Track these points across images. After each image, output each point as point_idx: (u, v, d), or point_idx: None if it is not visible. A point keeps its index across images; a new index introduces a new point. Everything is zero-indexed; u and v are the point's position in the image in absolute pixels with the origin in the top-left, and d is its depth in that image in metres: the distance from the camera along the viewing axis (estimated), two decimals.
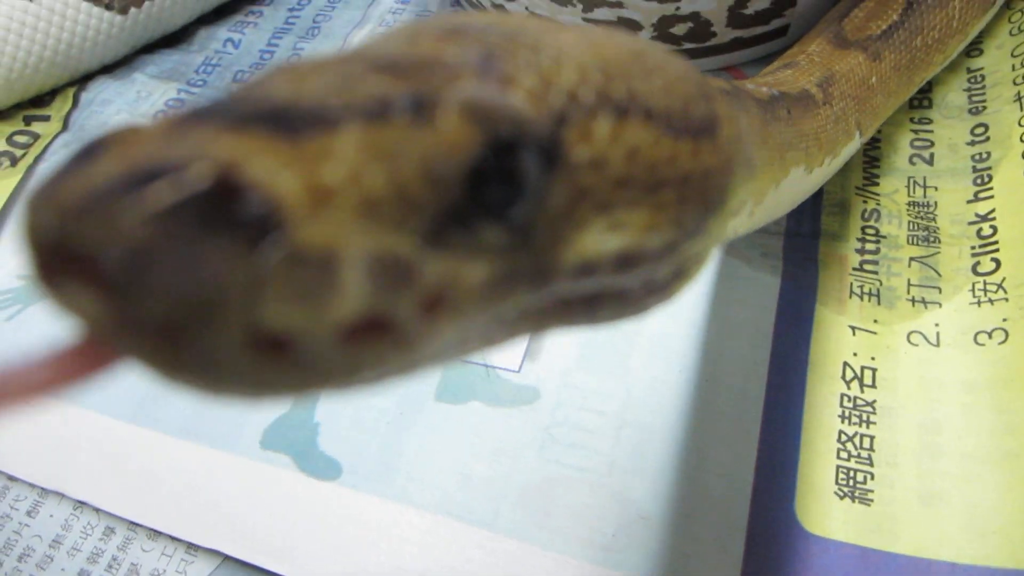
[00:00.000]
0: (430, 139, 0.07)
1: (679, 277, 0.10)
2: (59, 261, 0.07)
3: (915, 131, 0.22)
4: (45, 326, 0.20)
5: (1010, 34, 0.22)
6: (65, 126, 0.26)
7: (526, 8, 0.23)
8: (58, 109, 0.27)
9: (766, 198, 0.13)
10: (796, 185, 0.15)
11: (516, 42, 0.09)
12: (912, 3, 0.19)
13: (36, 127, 0.26)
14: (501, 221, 0.08)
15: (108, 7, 0.26)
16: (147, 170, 0.06)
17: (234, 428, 0.18)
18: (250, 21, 0.28)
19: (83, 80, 0.27)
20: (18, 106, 0.27)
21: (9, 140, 0.26)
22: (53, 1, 0.25)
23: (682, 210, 0.09)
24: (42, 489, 0.18)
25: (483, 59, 0.08)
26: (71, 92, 0.27)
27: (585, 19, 0.22)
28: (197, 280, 0.06)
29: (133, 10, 0.27)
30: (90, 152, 0.07)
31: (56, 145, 0.25)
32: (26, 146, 0.26)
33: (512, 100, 0.08)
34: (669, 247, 0.09)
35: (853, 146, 0.18)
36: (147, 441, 0.18)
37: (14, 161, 0.25)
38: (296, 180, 0.07)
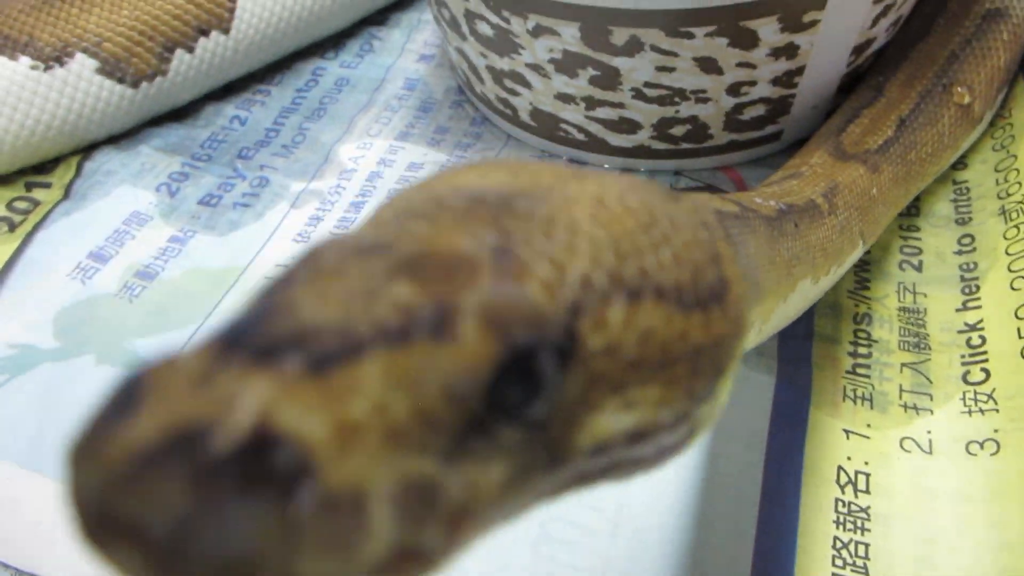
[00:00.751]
0: (452, 357, 0.08)
1: (691, 436, 0.10)
2: (105, 527, 0.07)
3: (904, 238, 0.22)
4: (32, 398, 0.20)
5: (993, 149, 0.23)
6: (67, 194, 0.26)
7: (531, 105, 0.23)
8: (60, 177, 0.27)
9: (773, 315, 0.13)
10: (803, 296, 0.15)
11: (531, 220, 0.09)
12: (904, 121, 0.20)
13: (37, 193, 0.26)
14: (518, 420, 0.08)
15: (120, 80, 0.27)
16: (185, 432, 0.07)
17: None
18: (257, 99, 0.29)
19: (88, 149, 0.27)
20: (20, 171, 0.27)
21: (9, 206, 0.26)
22: (67, 72, 0.26)
23: (694, 381, 0.10)
24: None
25: (498, 250, 0.08)
26: (75, 161, 0.27)
27: (588, 116, 0.23)
28: (237, 542, 0.07)
29: (144, 84, 0.27)
30: (128, 400, 0.07)
31: (56, 214, 0.25)
32: (25, 212, 0.26)
33: (528, 296, 0.08)
34: (681, 417, 0.10)
35: (856, 254, 0.18)
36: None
37: (12, 227, 0.25)
38: (325, 421, 0.07)
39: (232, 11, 0.28)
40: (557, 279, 0.08)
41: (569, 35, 0.20)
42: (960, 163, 0.23)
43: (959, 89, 0.21)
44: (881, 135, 0.19)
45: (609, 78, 0.21)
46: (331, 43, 0.31)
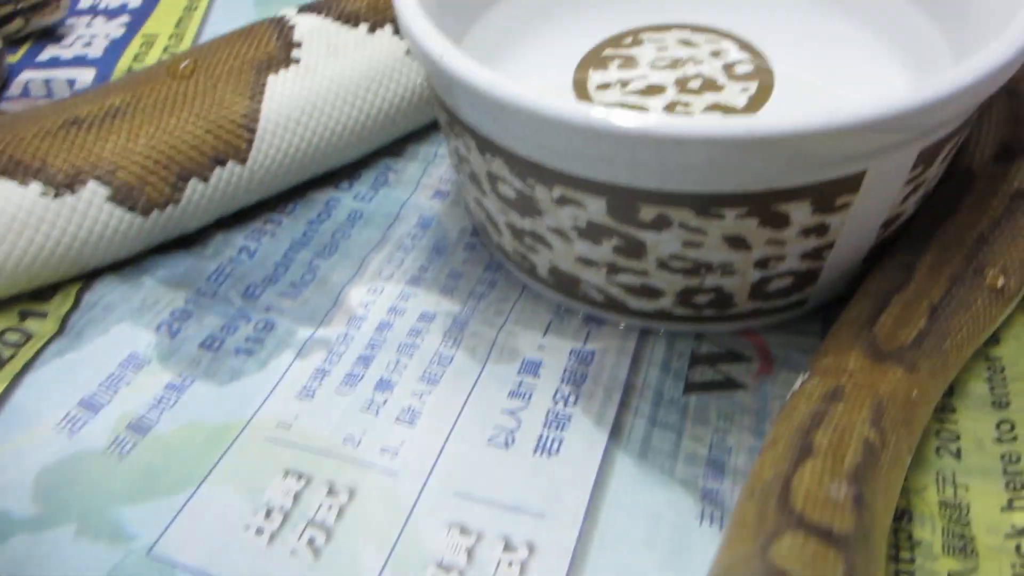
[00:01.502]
0: None
1: None
2: None
3: (940, 420, 0.21)
4: None
5: None
6: (61, 329, 0.25)
7: (550, 263, 0.23)
8: (57, 307, 0.26)
9: None
10: None
11: None
12: (936, 309, 0.19)
13: (31, 324, 0.25)
14: None
15: (131, 209, 0.26)
16: None
17: None
18: (267, 230, 0.28)
19: (89, 277, 0.27)
20: (16, 298, 0.26)
21: (0, 338, 0.25)
22: (77, 200, 0.25)
23: None
24: None
25: None
26: (74, 290, 0.26)
27: (609, 280, 0.22)
28: None
29: (155, 212, 0.26)
30: None
31: (49, 352, 0.24)
32: (17, 346, 0.25)
33: None
34: None
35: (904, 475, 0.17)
36: None
37: (1, 364, 0.24)
38: None
39: (251, 142, 0.27)
40: None
41: (595, 208, 0.20)
42: (992, 338, 0.23)
43: (992, 272, 0.20)
44: (914, 326, 0.19)
45: (634, 249, 0.21)
46: (346, 173, 0.30)
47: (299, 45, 0.28)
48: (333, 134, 0.29)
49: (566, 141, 0.18)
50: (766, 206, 0.19)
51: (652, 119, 0.17)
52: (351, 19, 0.29)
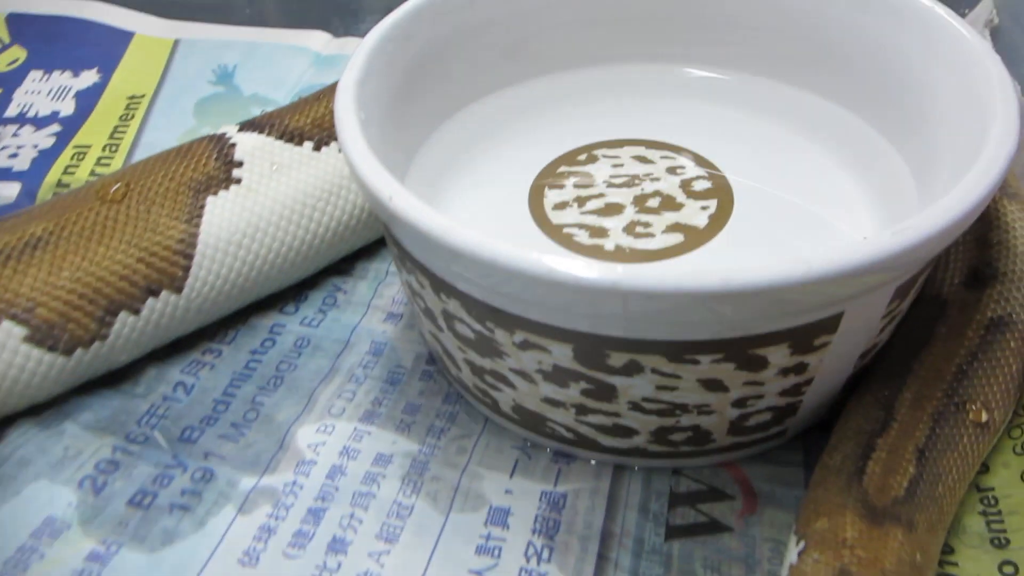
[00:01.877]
0: None
1: None
2: None
3: (940, 563, 0.20)
4: None
5: (1014, 452, 0.22)
6: None
7: (514, 402, 0.21)
8: None
9: None
10: None
11: None
12: (924, 452, 0.18)
13: None
14: None
15: (52, 348, 0.24)
16: None
17: None
18: (206, 362, 0.26)
19: (2, 424, 0.24)
20: None
21: None
22: None
23: None
24: None
25: None
26: None
27: (578, 420, 0.21)
28: None
29: (79, 351, 0.24)
30: None
31: None
32: None
33: None
34: None
35: None
36: None
37: None
38: None
39: (187, 269, 0.26)
40: None
41: (560, 353, 0.18)
42: (981, 466, 0.22)
43: (974, 408, 0.19)
44: (904, 474, 0.18)
45: (604, 392, 0.19)
46: (292, 295, 0.28)
47: (240, 164, 0.27)
48: (277, 256, 0.27)
49: (526, 290, 0.17)
50: (743, 351, 0.18)
51: (619, 271, 0.16)
52: (295, 137, 0.28)
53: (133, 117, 0.36)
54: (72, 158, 0.35)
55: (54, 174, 0.34)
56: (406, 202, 0.18)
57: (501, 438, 0.23)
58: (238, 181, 0.27)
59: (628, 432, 0.20)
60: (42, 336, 0.24)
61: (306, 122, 0.28)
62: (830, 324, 0.18)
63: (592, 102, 0.29)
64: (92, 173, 0.34)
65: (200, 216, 0.26)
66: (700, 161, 0.26)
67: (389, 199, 0.18)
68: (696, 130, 0.27)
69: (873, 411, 0.19)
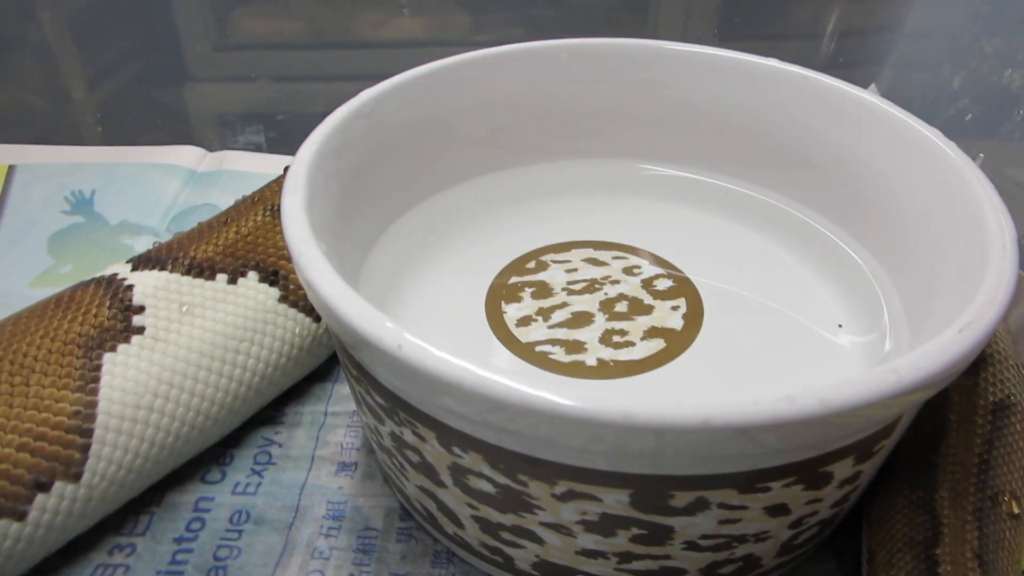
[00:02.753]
0: None
1: None
2: None
3: None
4: None
5: None
6: None
7: (537, 558, 0.18)
8: None
9: None
10: None
11: None
12: (981, 556, 0.17)
13: None
14: None
15: None
16: None
17: None
18: (118, 563, 0.21)
19: None
20: None
21: None
22: None
23: None
24: None
25: None
26: None
27: (619, 569, 0.18)
28: None
29: None
30: None
31: None
32: None
33: None
34: None
35: None
36: None
37: None
38: None
39: (86, 448, 0.20)
40: None
41: (613, 500, 0.16)
42: None
43: (1005, 499, 0.19)
44: None
45: (658, 536, 0.17)
46: (213, 457, 0.24)
47: (141, 309, 0.22)
48: (197, 414, 0.22)
49: (597, 441, 0.14)
50: (814, 470, 0.16)
51: (715, 407, 0.13)
52: (204, 271, 0.24)
53: None
54: None
55: None
56: (422, 352, 0.14)
57: None
58: (140, 330, 0.22)
59: (675, 573, 0.18)
60: None
61: (215, 251, 0.24)
62: (889, 429, 0.16)
63: (535, 202, 0.27)
64: None
65: (97, 380, 0.21)
66: (655, 259, 0.25)
67: (398, 348, 0.15)
68: (637, 228, 0.26)
69: (916, 516, 0.18)
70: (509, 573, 0.19)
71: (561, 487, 0.16)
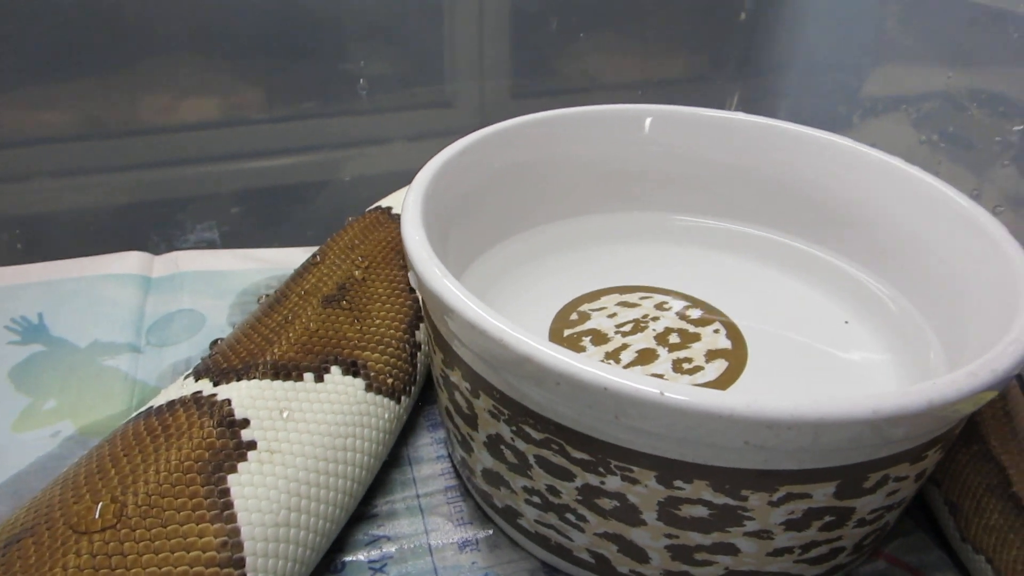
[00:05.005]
0: None
1: None
2: None
3: None
4: None
5: None
6: None
7: (734, 555, 0.20)
8: None
9: None
10: None
11: None
12: None
13: None
14: None
15: None
16: None
17: None
18: None
19: None
20: None
21: None
22: None
23: None
24: None
25: None
26: None
27: (797, 562, 0.20)
28: None
29: None
30: None
31: None
32: None
33: None
34: None
35: None
36: None
37: None
38: None
39: None
40: None
41: (822, 494, 0.18)
42: None
43: None
44: None
45: (842, 519, 0.19)
46: (324, 567, 0.22)
47: (246, 423, 0.21)
48: (321, 520, 0.21)
49: (837, 441, 0.16)
50: (951, 438, 0.20)
51: (930, 390, 0.16)
52: (291, 372, 0.23)
53: None
54: None
55: None
56: (687, 392, 0.16)
57: None
58: (252, 445, 0.21)
59: (837, 553, 0.21)
60: None
61: (294, 351, 0.23)
62: None
63: (560, 254, 0.29)
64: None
65: (230, 505, 0.19)
66: (676, 294, 0.28)
67: (661, 395, 0.16)
68: (646, 273, 0.29)
69: (982, 466, 0.23)
70: None
71: (780, 492, 0.18)
